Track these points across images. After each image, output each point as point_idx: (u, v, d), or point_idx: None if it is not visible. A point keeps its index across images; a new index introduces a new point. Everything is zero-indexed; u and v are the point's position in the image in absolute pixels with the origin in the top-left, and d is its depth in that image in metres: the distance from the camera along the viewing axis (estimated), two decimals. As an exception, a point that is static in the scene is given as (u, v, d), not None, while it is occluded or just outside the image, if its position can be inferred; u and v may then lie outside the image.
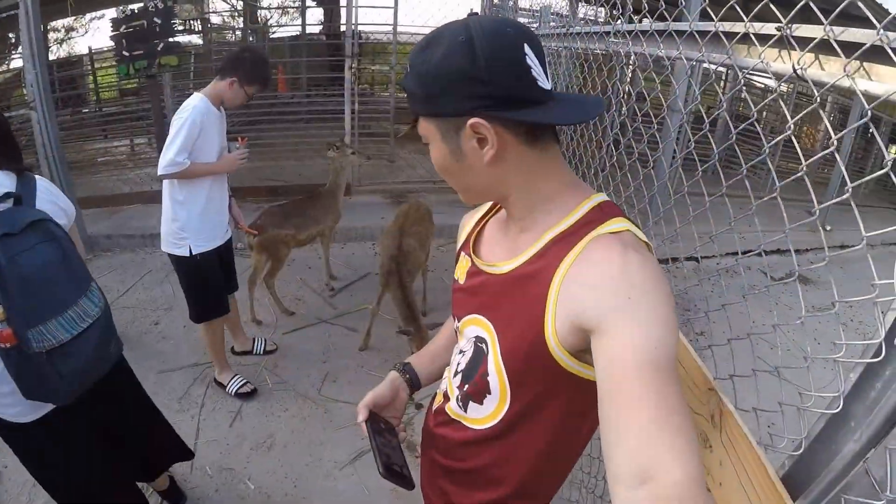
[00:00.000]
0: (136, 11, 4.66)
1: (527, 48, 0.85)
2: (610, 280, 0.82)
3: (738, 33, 1.19)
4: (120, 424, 2.15)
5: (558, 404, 1.00)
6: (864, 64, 0.86)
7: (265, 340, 3.84)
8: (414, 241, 3.86)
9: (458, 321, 1.16)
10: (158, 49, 4.74)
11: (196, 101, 2.88)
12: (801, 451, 0.98)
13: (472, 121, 0.86)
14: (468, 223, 1.25)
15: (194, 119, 2.82)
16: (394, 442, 1.13)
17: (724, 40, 1.25)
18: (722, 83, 8.80)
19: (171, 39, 4.76)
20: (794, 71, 0.99)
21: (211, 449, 2.96)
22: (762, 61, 1.11)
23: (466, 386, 1.10)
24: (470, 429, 1.12)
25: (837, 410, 0.88)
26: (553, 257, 0.92)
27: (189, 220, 2.96)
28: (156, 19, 4.63)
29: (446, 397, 1.20)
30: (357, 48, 6.41)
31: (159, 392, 3.32)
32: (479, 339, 1.08)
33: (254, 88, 3.02)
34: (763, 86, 9.99)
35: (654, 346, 0.75)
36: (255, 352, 3.79)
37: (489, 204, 1.23)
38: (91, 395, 1.79)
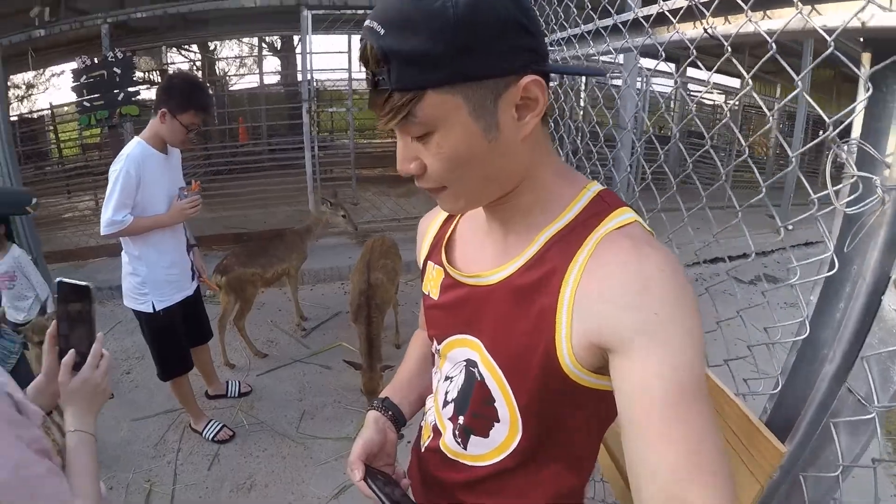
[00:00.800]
0: (97, 62, 4.67)
1: None
2: (631, 293, 0.71)
3: (652, 14, 1.30)
4: None
5: (580, 417, 0.89)
6: (768, 12, 0.94)
7: (239, 383, 3.77)
8: (382, 274, 3.85)
9: (439, 343, 1.01)
10: (119, 98, 4.75)
11: (130, 149, 2.64)
12: (778, 388, 1.00)
13: (528, 79, 0.70)
14: (430, 228, 1.09)
15: (128, 171, 2.57)
16: (397, 493, 0.97)
17: (644, 24, 1.34)
18: (672, 103, 9.19)
19: (131, 89, 4.77)
20: (705, 30, 1.07)
21: (190, 493, 2.87)
22: (678, 32, 1.20)
23: (462, 417, 0.96)
24: (474, 467, 0.96)
25: (806, 335, 0.91)
26: (556, 262, 0.79)
27: (149, 275, 2.80)
28: (116, 69, 4.64)
29: (437, 432, 1.04)
30: (314, 92, 6.51)
31: (134, 440, 3.23)
32: (469, 363, 0.93)
33: (188, 117, 2.64)
34: (712, 102, 10.39)
35: (683, 371, 0.67)
36: (229, 395, 3.70)
37: None
38: None
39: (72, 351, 1.07)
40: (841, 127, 0.75)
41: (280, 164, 8.00)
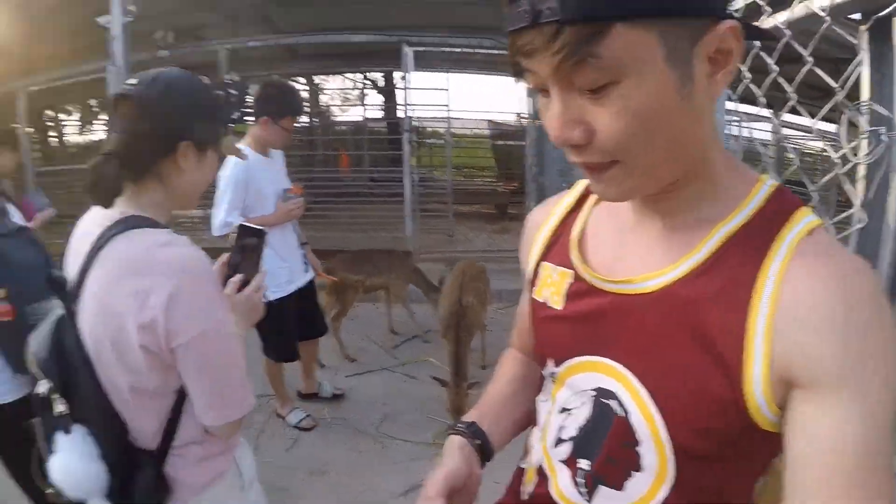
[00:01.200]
0: (214, 83, 5.20)
1: None
2: (834, 321, 0.57)
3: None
4: None
5: (742, 465, 0.70)
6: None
7: (332, 386, 3.87)
8: (473, 297, 3.91)
9: (557, 365, 0.81)
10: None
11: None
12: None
13: (728, 25, 0.56)
14: (545, 223, 0.88)
15: (237, 176, 2.79)
16: None
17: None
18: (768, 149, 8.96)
19: (243, 110, 5.25)
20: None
21: (265, 469, 2.94)
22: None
23: (586, 461, 0.75)
24: None
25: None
26: (738, 269, 0.63)
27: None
28: (232, 91, 5.13)
29: (542, 475, 0.83)
30: (414, 124, 6.85)
31: (222, 417, 3.45)
32: (603, 394, 0.73)
33: (288, 121, 2.92)
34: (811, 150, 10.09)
35: (877, 427, 0.55)
36: (321, 395, 3.80)
37: (575, 192, 0.86)
38: None
39: (240, 275, 1.31)
40: (846, 89, 0.86)
41: (379, 193, 8.43)
